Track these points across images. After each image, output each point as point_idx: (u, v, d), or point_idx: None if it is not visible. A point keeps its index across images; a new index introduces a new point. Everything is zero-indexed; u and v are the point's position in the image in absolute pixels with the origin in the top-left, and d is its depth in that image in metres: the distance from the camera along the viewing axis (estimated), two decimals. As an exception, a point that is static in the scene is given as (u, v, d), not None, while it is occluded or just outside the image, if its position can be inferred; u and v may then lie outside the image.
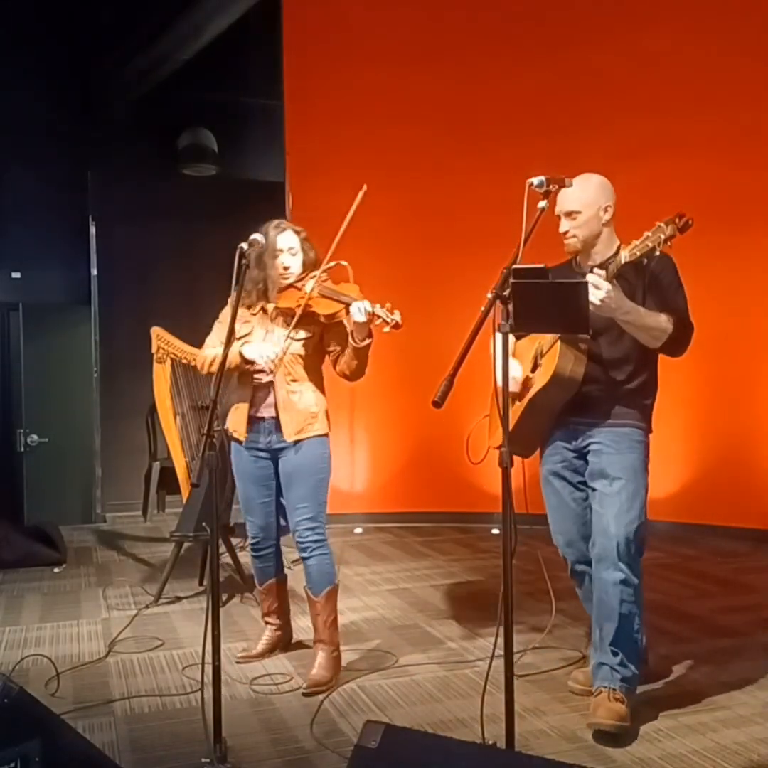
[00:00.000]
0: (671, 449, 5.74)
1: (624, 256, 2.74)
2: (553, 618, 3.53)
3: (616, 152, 5.92)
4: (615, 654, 2.93)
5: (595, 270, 2.82)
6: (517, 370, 3.12)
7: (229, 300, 3.11)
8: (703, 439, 5.83)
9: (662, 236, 2.59)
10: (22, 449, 6.87)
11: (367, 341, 3.25)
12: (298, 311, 3.28)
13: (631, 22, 6.10)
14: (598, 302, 2.71)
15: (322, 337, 3.41)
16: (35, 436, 6.90)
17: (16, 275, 7.25)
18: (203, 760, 2.62)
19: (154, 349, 4.84)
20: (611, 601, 2.92)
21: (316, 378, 3.44)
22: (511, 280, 2.39)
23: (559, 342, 2.94)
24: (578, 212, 2.98)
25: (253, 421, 3.42)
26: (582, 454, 3.08)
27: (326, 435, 3.43)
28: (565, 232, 3.02)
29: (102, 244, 7.26)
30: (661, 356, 3.02)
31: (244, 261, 2.77)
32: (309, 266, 3.42)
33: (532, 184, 2.54)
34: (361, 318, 3.15)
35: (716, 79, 5.83)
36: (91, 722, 3.00)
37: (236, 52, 7.36)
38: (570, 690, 3.20)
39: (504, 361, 2.41)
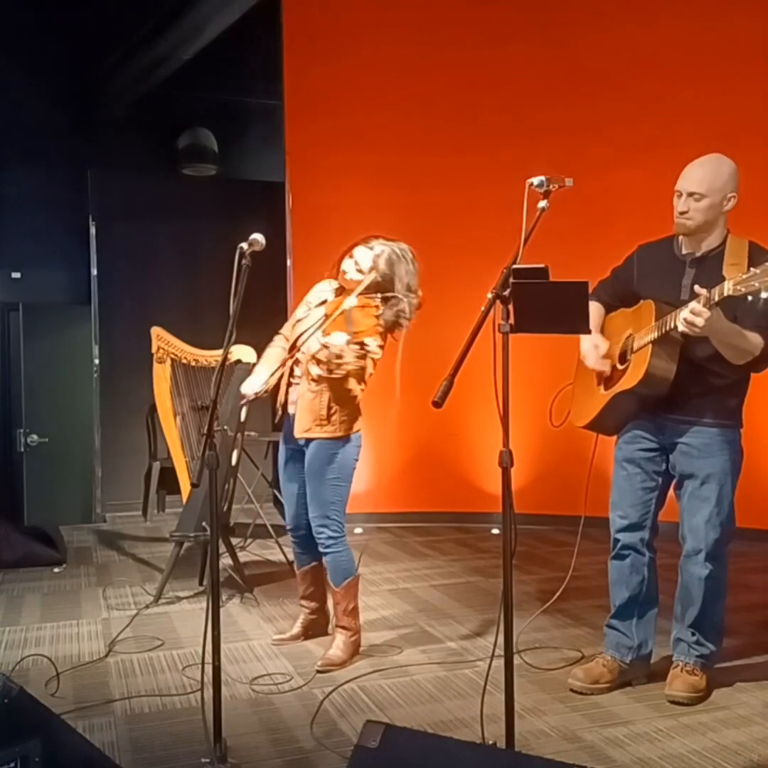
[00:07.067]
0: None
1: (727, 287, 2.63)
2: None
3: (616, 152, 5.93)
4: (693, 634, 3.05)
5: (696, 288, 2.71)
6: (602, 342, 3.10)
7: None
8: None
9: None
10: (22, 449, 6.87)
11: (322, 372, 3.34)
12: (326, 320, 3.42)
13: (631, 22, 6.09)
14: (696, 331, 2.69)
15: None
16: (35, 436, 6.89)
17: (16, 275, 7.25)
18: (203, 760, 2.62)
19: (154, 349, 4.85)
20: (696, 591, 3.03)
21: (344, 382, 3.44)
22: (511, 280, 2.39)
23: (651, 344, 2.89)
24: (703, 195, 2.86)
25: (286, 415, 3.58)
26: (666, 448, 3.09)
27: (340, 438, 3.47)
28: (683, 212, 2.89)
29: (102, 244, 7.25)
30: None
31: (244, 261, 2.77)
32: (377, 284, 3.52)
33: (532, 184, 2.53)
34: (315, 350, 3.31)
35: (717, 79, 5.82)
36: (91, 722, 2.99)
37: (236, 52, 7.36)
38: (570, 688, 3.19)
39: (504, 361, 2.40)
